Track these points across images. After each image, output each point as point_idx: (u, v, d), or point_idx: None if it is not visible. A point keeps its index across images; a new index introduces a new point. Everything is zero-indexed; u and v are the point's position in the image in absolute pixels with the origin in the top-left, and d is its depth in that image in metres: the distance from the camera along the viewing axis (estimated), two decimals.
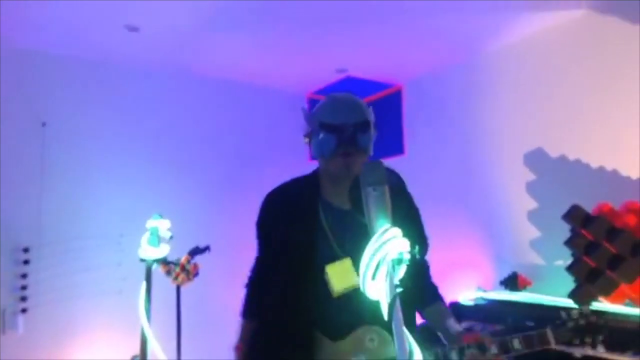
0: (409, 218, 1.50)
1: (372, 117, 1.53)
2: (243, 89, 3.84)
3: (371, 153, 1.51)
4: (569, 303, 2.39)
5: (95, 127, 3.18)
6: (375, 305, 0.97)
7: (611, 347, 2.04)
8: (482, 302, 2.86)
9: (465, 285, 3.10)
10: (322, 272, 1.39)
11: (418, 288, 1.49)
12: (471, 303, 2.87)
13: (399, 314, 0.81)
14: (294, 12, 2.76)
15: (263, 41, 3.17)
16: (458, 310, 2.82)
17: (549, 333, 1.48)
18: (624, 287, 2.31)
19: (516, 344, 1.42)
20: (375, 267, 0.94)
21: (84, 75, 3.18)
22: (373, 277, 0.95)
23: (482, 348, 1.38)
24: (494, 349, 1.39)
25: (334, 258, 1.41)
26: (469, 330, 2.61)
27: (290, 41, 3.18)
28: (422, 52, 3.38)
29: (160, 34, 2.94)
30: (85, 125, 3.15)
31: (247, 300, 1.68)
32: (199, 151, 3.58)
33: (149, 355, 2.55)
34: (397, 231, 0.99)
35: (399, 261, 0.94)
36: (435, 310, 1.56)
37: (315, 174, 1.61)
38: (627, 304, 2.31)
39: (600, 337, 1.53)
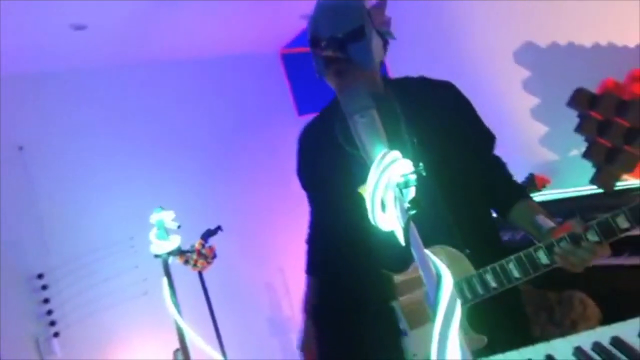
0: (459, 115, 1.37)
1: (370, 21, 1.25)
2: (213, 62, 3.69)
3: (372, 64, 1.27)
4: (593, 190, 2.32)
5: (76, 138, 3.07)
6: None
7: None
8: None
9: None
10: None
11: (491, 187, 1.35)
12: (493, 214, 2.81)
13: (417, 238, 0.73)
14: None
15: (217, 8, 2.99)
16: None
17: None
18: None
19: (621, 221, 1.05)
20: (382, 196, 0.86)
21: (49, 89, 3.06)
22: (383, 208, 0.87)
23: (575, 239, 1.08)
24: (592, 236, 1.06)
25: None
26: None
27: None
28: None
29: (109, 28, 2.78)
30: (65, 139, 3.05)
31: (308, 256, 1.57)
32: (188, 135, 3.49)
33: (190, 346, 2.54)
34: (396, 154, 0.90)
35: (405, 184, 0.86)
36: (521, 209, 1.32)
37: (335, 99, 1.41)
38: None
39: None
